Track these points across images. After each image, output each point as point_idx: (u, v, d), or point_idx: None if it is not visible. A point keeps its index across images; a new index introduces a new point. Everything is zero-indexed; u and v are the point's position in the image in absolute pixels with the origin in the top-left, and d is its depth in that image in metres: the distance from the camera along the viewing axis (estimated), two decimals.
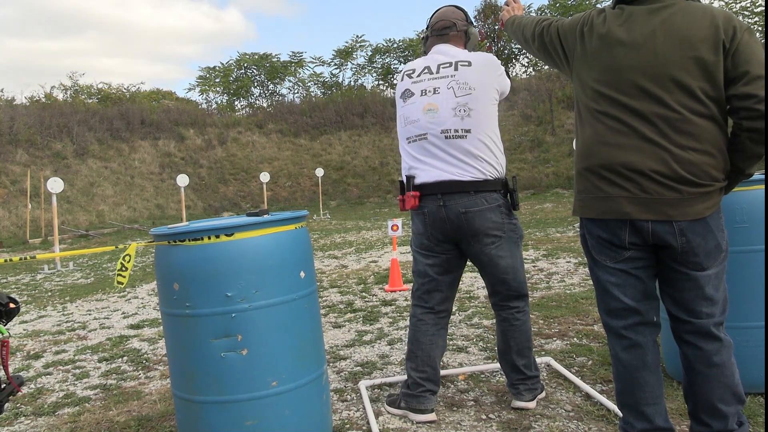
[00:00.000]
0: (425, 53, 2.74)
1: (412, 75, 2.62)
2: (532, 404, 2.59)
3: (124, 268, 2.51)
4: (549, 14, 26.78)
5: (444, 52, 2.62)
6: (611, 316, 1.95)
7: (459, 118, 2.48)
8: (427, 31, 2.74)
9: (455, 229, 2.49)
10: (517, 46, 28.78)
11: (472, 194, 2.46)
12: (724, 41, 1.75)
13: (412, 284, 2.77)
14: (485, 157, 2.49)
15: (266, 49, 32.04)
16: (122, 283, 2.53)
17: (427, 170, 2.50)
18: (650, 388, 1.89)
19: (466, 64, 2.54)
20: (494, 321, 2.77)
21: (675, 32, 1.78)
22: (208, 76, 28.72)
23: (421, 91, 2.55)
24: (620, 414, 2.02)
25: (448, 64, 2.57)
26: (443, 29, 2.67)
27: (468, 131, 2.48)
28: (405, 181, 2.58)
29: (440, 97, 2.51)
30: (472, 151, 2.48)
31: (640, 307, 1.90)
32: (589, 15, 1.96)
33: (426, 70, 2.59)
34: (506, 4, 2.51)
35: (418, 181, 2.53)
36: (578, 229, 10.86)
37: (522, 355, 2.58)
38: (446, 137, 2.48)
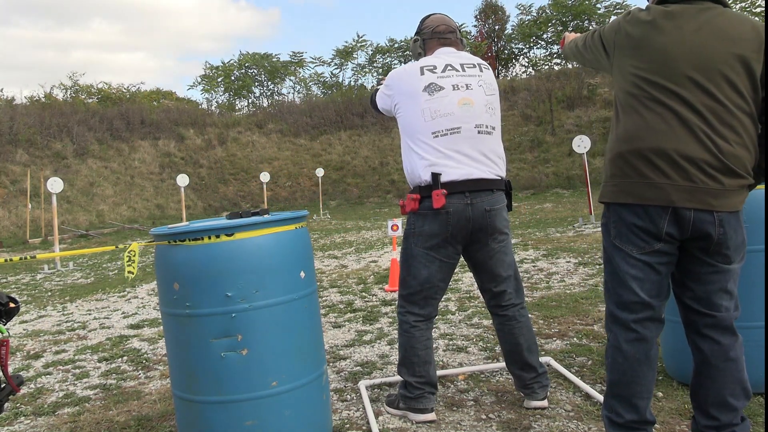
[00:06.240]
0: (419, 55, 2.71)
1: (434, 70, 2.54)
2: (546, 402, 2.59)
3: (131, 261, 2.52)
4: (549, 13, 26.99)
5: (456, 53, 2.63)
6: (622, 309, 1.94)
7: (489, 115, 2.55)
8: (425, 34, 2.71)
9: (476, 229, 2.47)
10: (517, 46, 28.87)
11: (494, 192, 2.50)
12: (765, 45, 1.83)
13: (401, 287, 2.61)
14: (501, 157, 2.59)
15: (287, 44, 32.12)
16: (132, 273, 2.54)
17: (456, 167, 2.45)
18: (646, 382, 1.93)
19: (486, 68, 2.64)
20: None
21: (720, 30, 1.85)
22: (211, 74, 28.72)
23: (453, 85, 2.51)
24: (604, 402, 2.02)
25: (471, 65, 2.60)
26: (447, 33, 2.68)
27: (494, 128, 2.56)
28: (431, 178, 2.44)
29: (474, 93, 2.52)
30: (495, 149, 2.55)
31: (654, 303, 1.91)
32: (629, 11, 1.99)
33: (450, 68, 2.56)
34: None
35: (445, 178, 2.44)
36: (579, 229, 10.70)
37: (532, 351, 2.60)
38: (479, 132, 2.50)
